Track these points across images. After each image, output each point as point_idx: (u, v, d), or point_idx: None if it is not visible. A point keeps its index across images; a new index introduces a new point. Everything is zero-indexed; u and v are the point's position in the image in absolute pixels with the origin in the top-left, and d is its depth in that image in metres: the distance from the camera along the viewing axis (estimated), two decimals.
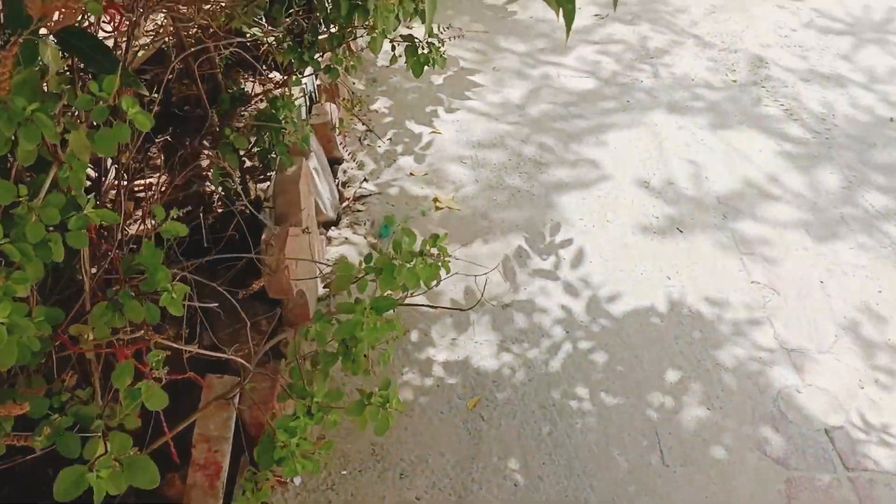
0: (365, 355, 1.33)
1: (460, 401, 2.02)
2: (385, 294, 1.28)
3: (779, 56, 3.61)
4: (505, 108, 3.14)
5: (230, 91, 2.12)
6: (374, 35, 1.82)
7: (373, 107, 3.12)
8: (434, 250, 1.24)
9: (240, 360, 1.32)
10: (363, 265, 1.28)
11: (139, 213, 2.22)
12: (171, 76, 2.04)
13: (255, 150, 2.12)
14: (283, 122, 2.02)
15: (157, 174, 2.54)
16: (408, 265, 1.22)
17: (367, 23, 1.80)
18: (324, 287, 2.32)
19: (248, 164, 2.38)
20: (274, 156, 2.10)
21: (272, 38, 2.09)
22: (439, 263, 1.25)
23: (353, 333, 1.25)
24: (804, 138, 3.02)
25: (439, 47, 1.98)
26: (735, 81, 3.41)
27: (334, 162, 2.79)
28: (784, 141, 3.00)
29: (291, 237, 1.99)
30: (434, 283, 1.28)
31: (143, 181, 2.45)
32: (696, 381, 2.09)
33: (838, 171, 2.85)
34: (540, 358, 2.14)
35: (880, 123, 3.13)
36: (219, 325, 2.00)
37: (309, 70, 2.21)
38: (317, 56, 1.98)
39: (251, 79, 2.89)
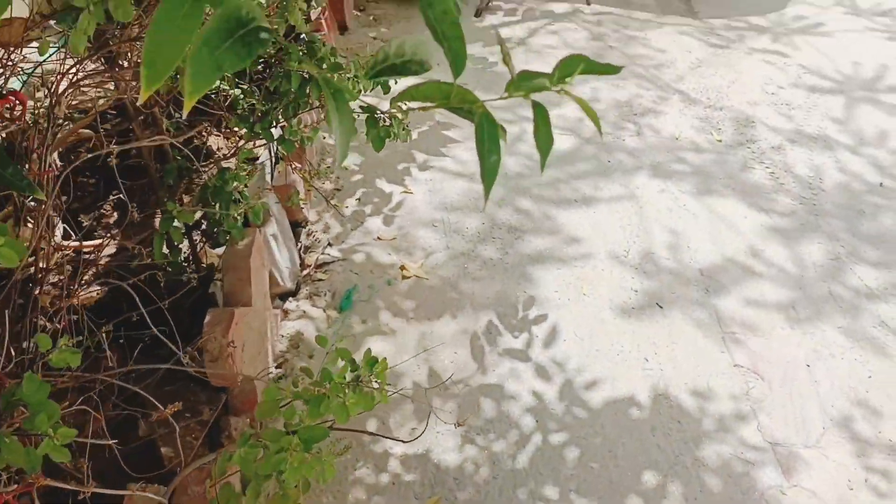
0: (296, 486, 1.17)
1: (417, 501, 1.86)
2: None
3: (765, 114, 3.50)
4: (476, 164, 3.00)
5: (178, 159, 1.97)
6: (329, 111, 1.68)
7: (344, 163, 2.98)
8: (372, 378, 1.09)
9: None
10: (291, 390, 1.13)
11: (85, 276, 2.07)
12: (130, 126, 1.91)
13: (202, 227, 1.98)
14: (232, 194, 1.88)
15: (108, 235, 2.40)
16: (338, 396, 1.06)
17: (320, 97, 1.67)
18: (276, 367, 2.16)
19: (204, 225, 2.24)
20: (224, 229, 1.95)
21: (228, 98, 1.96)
22: (374, 392, 1.09)
23: (279, 469, 1.09)
24: (791, 205, 2.90)
25: (403, 120, 1.84)
26: (720, 141, 3.29)
27: (297, 224, 2.64)
28: (769, 208, 2.88)
29: (237, 319, 1.84)
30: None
31: (90, 243, 2.31)
32: (675, 481, 1.94)
33: (826, 242, 2.72)
34: (507, 452, 1.98)
35: (869, 189, 3.02)
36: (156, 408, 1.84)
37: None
38: (270, 127, 1.84)
39: (215, 132, 2.76)
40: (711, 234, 2.73)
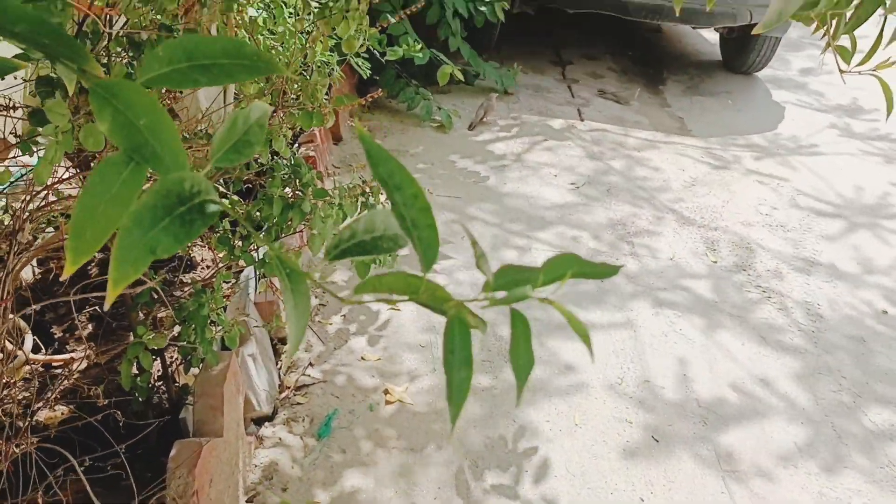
0: None
1: None
2: None
3: (761, 236, 3.46)
4: (473, 286, 2.93)
5: (154, 279, 1.89)
6: (313, 234, 1.61)
7: (331, 278, 2.90)
8: None
9: None
10: None
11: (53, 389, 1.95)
12: None
13: (179, 344, 1.88)
14: (208, 317, 1.79)
15: (83, 347, 2.29)
16: None
17: (303, 223, 1.60)
18: (247, 501, 2.02)
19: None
20: (198, 354, 1.85)
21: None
22: None
23: None
24: (791, 334, 2.81)
25: (395, 239, 1.77)
26: (716, 262, 3.24)
27: (280, 342, 2.54)
28: (770, 336, 2.79)
29: (206, 454, 1.71)
30: None
31: (60, 357, 2.20)
32: None
33: (831, 375, 2.62)
34: None
35: (874, 318, 2.94)
36: None
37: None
38: (251, 249, 1.77)
39: (200, 242, 2.69)
40: (709, 363, 2.63)
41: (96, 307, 2.41)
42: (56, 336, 2.33)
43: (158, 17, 1.49)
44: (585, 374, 2.53)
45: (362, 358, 2.54)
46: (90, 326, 2.39)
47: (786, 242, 3.44)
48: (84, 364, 2.16)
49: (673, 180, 3.94)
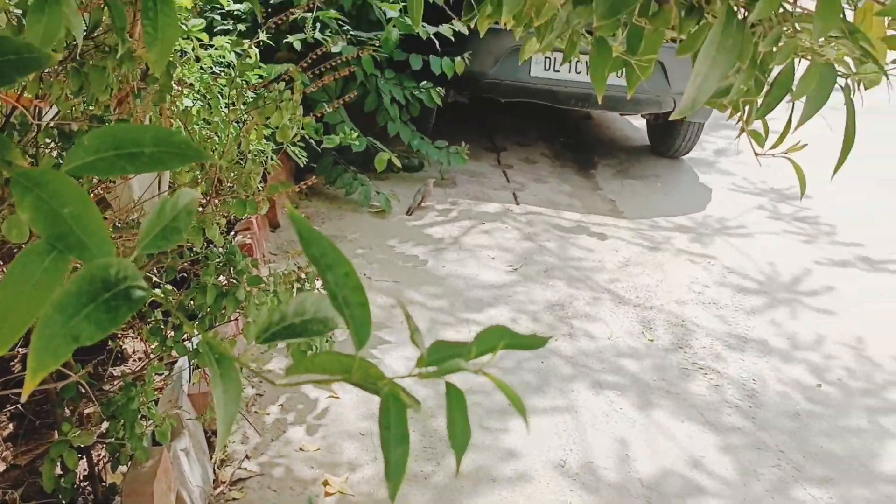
0: None
1: None
2: None
3: (695, 314, 3.54)
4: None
5: (80, 371, 1.82)
6: (248, 322, 1.59)
7: (267, 366, 2.84)
8: None
9: None
10: None
11: None
12: None
13: (107, 440, 1.80)
14: (139, 411, 1.73)
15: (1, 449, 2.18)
16: None
17: (238, 311, 1.58)
18: None
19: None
20: (127, 450, 1.77)
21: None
22: None
23: None
24: (729, 412, 2.85)
25: (330, 337, 1.75)
26: (652, 341, 3.28)
27: (215, 434, 2.46)
28: (708, 414, 2.82)
29: None
30: None
31: None
32: None
33: (770, 452, 2.65)
34: None
35: (806, 394, 3.00)
36: None
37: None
38: (184, 339, 1.73)
39: (132, 333, 2.62)
40: (650, 442, 2.64)
41: (18, 405, 2.31)
42: None
43: (90, 108, 1.48)
44: (528, 459, 2.51)
45: (301, 448, 2.47)
46: (11, 426, 2.28)
47: (718, 320, 3.52)
48: (2, 467, 2.06)
49: (607, 261, 4.03)
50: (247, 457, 2.42)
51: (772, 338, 3.40)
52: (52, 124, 1.43)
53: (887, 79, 1.02)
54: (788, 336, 3.43)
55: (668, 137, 5.68)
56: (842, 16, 1.01)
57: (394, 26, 4.29)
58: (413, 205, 4.38)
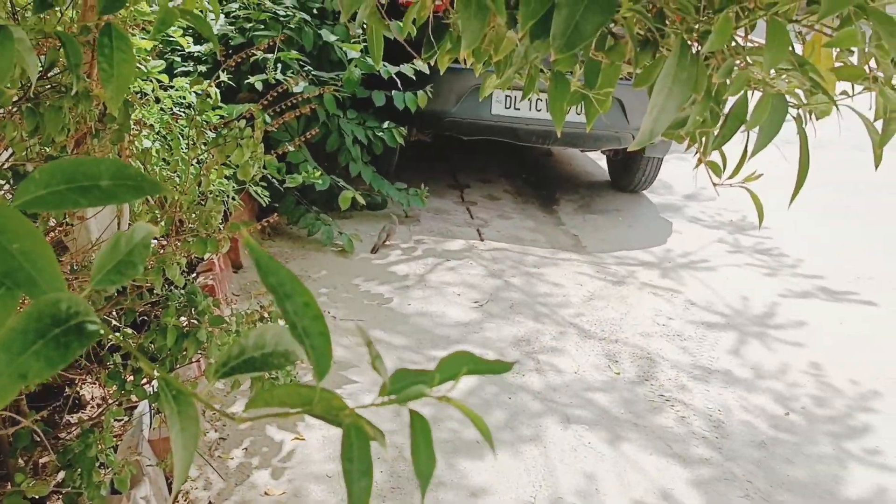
0: None
1: None
2: None
3: (659, 347, 3.56)
4: (379, 412, 2.86)
5: (35, 419, 1.77)
6: (210, 363, 1.56)
7: (231, 409, 2.79)
8: None
9: None
10: None
11: None
12: None
13: (63, 490, 1.74)
14: (96, 458, 1.68)
15: None
16: None
17: (200, 352, 1.55)
18: None
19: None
20: (84, 500, 1.72)
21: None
22: None
23: None
24: (696, 443, 2.85)
25: (291, 371, 1.73)
26: (619, 374, 3.29)
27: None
28: (676, 446, 2.82)
29: None
30: None
31: None
32: None
33: (738, 483, 2.65)
34: None
35: (773, 423, 3.02)
36: None
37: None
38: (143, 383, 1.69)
39: (90, 379, 2.55)
40: (619, 476, 2.63)
41: None
42: None
43: (46, 148, 1.46)
44: (497, 496, 2.48)
45: (266, 493, 2.41)
46: None
47: (683, 352, 3.54)
48: None
49: (572, 295, 4.04)
50: (210, 503, 2.35)
51: (736, 368, 3.43)
52: (6, 165, 1.40)
53: (837, 109, 1.05)
54: (752, 366, 3.47)
55: (628, 172, 5.77)
56: (791, 48, 1.04)
57: (355, 66, 4.32)
58: (378, 243, 4.37)
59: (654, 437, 2.86)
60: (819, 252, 5.00)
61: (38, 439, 1.70)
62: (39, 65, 1.33)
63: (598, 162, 6.70)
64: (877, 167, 1.05)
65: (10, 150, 1.49)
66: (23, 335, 0.48)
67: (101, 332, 0.52)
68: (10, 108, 1.36)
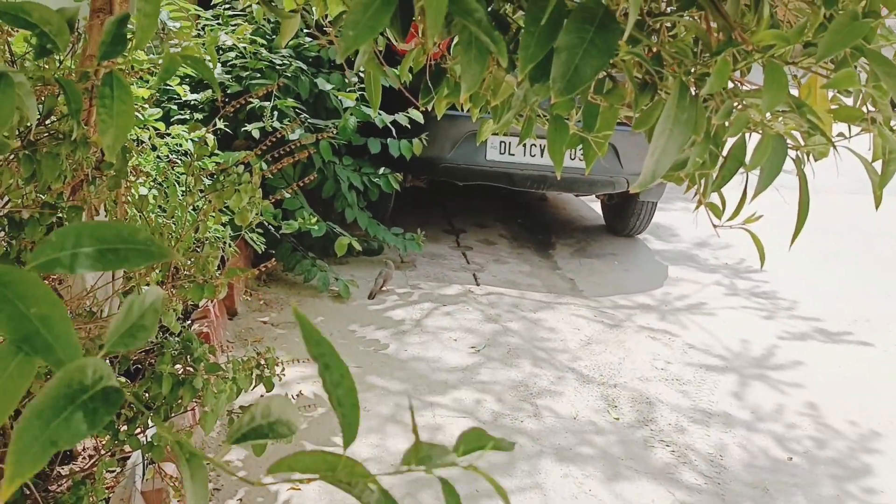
0: None
1: None
2: None
3: (658, 391, 3.53)
4: (378, 461, 2.82)
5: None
6: (206, 411, 1.54)
7: (226, 458, 2.74)
8: None
9: None
10: None
11: None
12: None
13: None
14: None
15: None
16: None
17: (195, 400, 1.53)
18: None
19: None
20: None
21: None
22: None
23: None
24: (698, 486, 2.81)
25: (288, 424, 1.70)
26: (618, 419, 3.26)
27: None
28: (677, 491, 2.78)
29: None
30: None
31: None
32: None
33: None
34: None
35: (772, 466, 2.98)
36: None
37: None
38: (137, 432, 1.66)
39: None
40: None
41: None
42: None
43: (42, 195, 1.45)
44: None
45: None
46: None
47: (682, 395, 3.51)
48: None
49: (569, 340, 4.02)
50: None
51: (736, 411, 3.40)
52: (1, 213, 1.40)
53: (835, 150, 1.05)
54: (752, 409, 3.44)
55: (623, 216, 5.79)
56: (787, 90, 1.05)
57: (351, 114, 4.36)
58: (374, 289, 4.36)
59: (654, 482, 2.82)
60: (816, 295, 5.00)
61: (29, 492, 1.66)
62: (38, 111, 1.34)
63: (592, 206, 6.73)
64: (877, 207, 1.05)
65: (5, 198, 1.48)
66: (53, 403, 0.48)
67: (126, 395, 0.52)
68: (6, 155, 1.36)
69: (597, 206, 6.57)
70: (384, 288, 4.42)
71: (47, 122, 1.39)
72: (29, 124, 1.24)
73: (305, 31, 4.55)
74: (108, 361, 1.82)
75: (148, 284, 1.68)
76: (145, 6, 0.76)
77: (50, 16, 0.77)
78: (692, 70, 0.94)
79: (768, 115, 1.03)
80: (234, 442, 0.57)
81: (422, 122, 4.37)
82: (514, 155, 4.86)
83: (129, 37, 0.85)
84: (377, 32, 0.66)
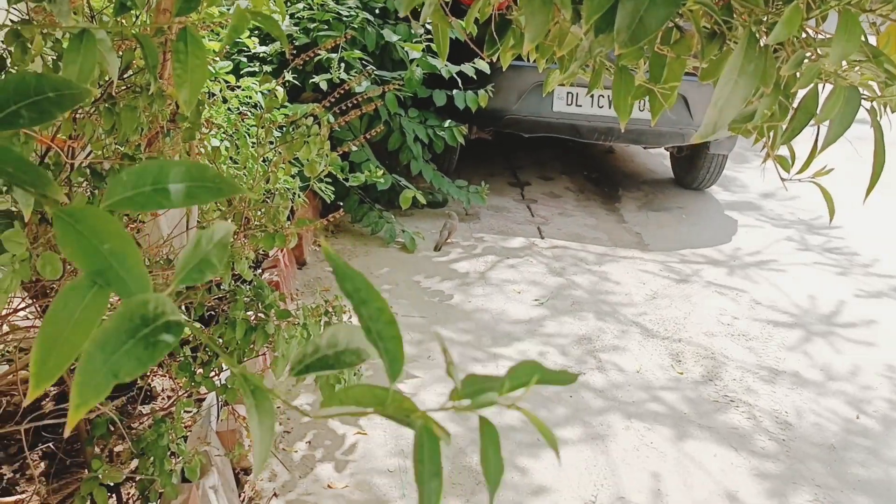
0: None
1: None
2: None
3: (724, 346, 3.49)
4: (440, 404, 2.88)
5: (110, 409, 1.84)
6: (277, 356, 1.60)
7: (295, 402, 2.84)
8: None
9: None
10: None
11: None
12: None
13: (137, 477, 1.81)
14: (168, 447, 1.73)
15: (33, 489, 2.19)
16: None
17: (267, 345, 1.59)
18: None
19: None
20: (157, 487, 1.77)
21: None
22: None
23: None
24: (763, 445, 2.80)
25: (358, 370, 1.75)
26: (682, 374, 3.24)
27: (243, 471, 2.45)
28: (741, 446, 2.77)
29: None
30: None
31: (10, 499, 2.09)
32: None
33: (807, 486, 2.59)
34: None
35: (845, 426, 2.94)
36: None
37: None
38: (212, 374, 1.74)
39: (160, 371, 2.63)
40: (683, 476, 2.59)
41: (49, 444, 2.33)
42: (6, 476, 2.23)
43: (121, 147, 1.51)
44: (559, 495, 2.47)
45: (329, 486, 2.46)
46: (42, 465, 2.29)
47: (749, 352, 3.47)
48: None
49: (634, 294, 4.00)
50: (275, 494, 2.41)
51: (803, 369, 3.35)
52: (84, 164, 1.46)
53: None
54: (820, 368, 3.37)
55: (692, 169, 5.67)
56: (864, 39, 1.01)
57: (417, 66, 4.35)
58: (440, 240, 4.40)
59: (718, 438, 2.81)
60: (893, 251, 4.83)
61: (114, 429, 1.77)
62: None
63: (661, 159, 6.60)
64: None
65: (87, 149, 1.55)
66: (115, 335, 0.51)
67: (187, 329, 0.55)
68: (88, 108, 1.42)
69: (665, 159, 6.44)
70: (449, 240, 4.46)
71: (125, 75, 1.43)
72: (109, 79, 1.28)
73: None
74: (183, 307, 1.90)
75: None
76: None
77: None
78: (763, 19, 0.92)
79: (843, 65, 1.00)
80: (298, 374, 0.58)
81: (488, 72, 4.34)
82: (581, 106, 4.79)
83: None
84: None
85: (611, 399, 3.02)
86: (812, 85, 1.02)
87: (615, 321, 3.68)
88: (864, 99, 1.03)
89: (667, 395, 3.08)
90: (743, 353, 3.45)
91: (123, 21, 1.39)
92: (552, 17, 0.86)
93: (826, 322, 3.83)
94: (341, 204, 4.27)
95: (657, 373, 3.24)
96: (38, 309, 1.61)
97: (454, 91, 4.46)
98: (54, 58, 1.30)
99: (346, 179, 3.05)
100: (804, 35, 1.03)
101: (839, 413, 3.04)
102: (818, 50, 1.03)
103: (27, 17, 1.21)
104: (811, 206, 5.58)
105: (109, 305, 0.57)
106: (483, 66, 4.31)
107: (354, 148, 2.45)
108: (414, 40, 4.49)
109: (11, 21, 1.23)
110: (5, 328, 1.64)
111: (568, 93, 4.77)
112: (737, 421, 2.93)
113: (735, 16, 0.97)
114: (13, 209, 1.23)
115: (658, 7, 0.78)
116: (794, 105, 1.03)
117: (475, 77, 4.34)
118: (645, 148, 6.50)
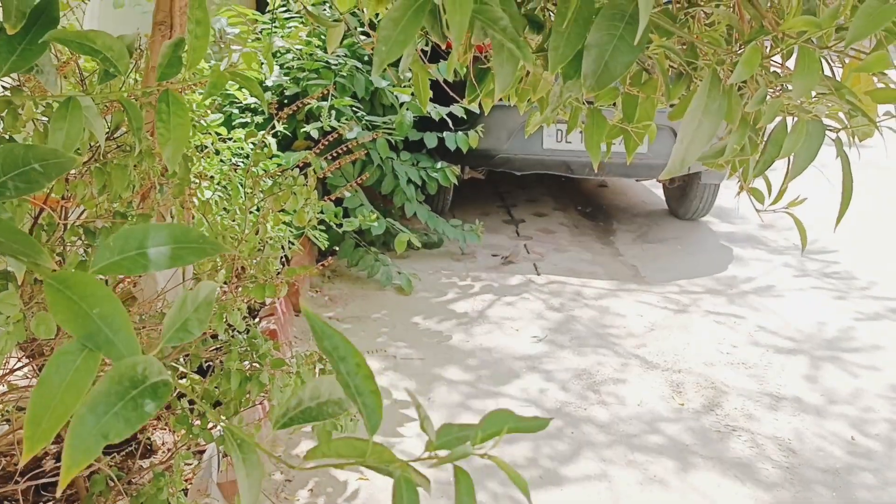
0: None
1: None
2: None
3: (724, 375, 3.49)
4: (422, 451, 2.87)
5: (110, 465, 1.84)
6: (273, 406, 1.61)
7: (294, 451, 2.84)
8: None
9: None
10: None
11: None
12: None
13: None
14: (167, 501, 1.73)
15: None
16: None
17: (262, 394, 1.60)
18: None
19: None
20: None
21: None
22: None
23: None
24: (766, 471, 2.78)
25: (353, 416, 1.76)
26: (683, 404, 3.24)
27: None
28: (746, 475, 2.76)
29: None
30: None
31: None
32: None
33: None
34: None
35: (844, 449, 2.93)
36: None
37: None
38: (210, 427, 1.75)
39: (161, 425, 2.63)
40: None
41: (49, 503, 2.32)
42: None
43: (114, 205, 1.54)
44: None
45: None
46: None
47: (749, 379, 3.47)
48: None
49: (633, 326, 4.01)
50: None
51: (804, 395, 3.35)
52: (77, 223, 1.49)
53: (879, 131, 1.05)
54: (823, 392, 3.37)
55: (685, 200, 5.71)
56: (831, 73, 1.05)
57: (407, 109, 4.42)
58: (510, 255, 4.60)
59: (723, 467, 2.80)
60: (891, 274, 4.85)
61: (113, 484, 1.77)
62: (106, 126, 1.42)
63: (653, 190, 6.65)
64: None
65: (81, 208, 1.58)
66: (105, 398, 0.53)
67: (174, 388, 0.57)
68: (80, 168, 1.45)
69: (658, 190, 6.49)
70: (513, 259, 4.73)
71: (115, 135, 1.47)
72: (97, 143, 1.32)
73: (360, 29, 4.63)
74: (182, 360, 1.91)
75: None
76: (196, 29, 0.81)
77: (112, 42, 0.83)
78: (725, 60, 0.95)
79: (811, 97, 1.03)
80: (282, 426, 0.61)
81: (478, 112, 4.40)
82: (570, 143, 4.85)
83: (184, 56, 0.90)
84: (408, 46, 0.69)
85: (613, 433, 3.01)
86: (780, 119, 1.05)
87: (615, 354, 3.68)
88: (831, 130, 1.06)
89: (669, 426, 3.07)
90: (743, 381, 3.45)
91: (110, 85, 1.43)
92: (521, 65, 0.89)
93: (826, 346, 3.83)
94: (337, 249, 4.30)
95: (658, 404, 3.24)
96: (35, 368, 1.63)
97: (445, 133, 4.52)
98: (46, 122, 1.33)
99: (340, 225, 3.08)
100: (772, 70, 1.06)
101: (842, 437, 3.03)
102: (786, 85, 1.06)
103: (18, 85, 1.24)
104: (808, 232, 5.60)
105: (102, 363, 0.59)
106: (473, 105, 4.37)
107: (347, 193, 2.48)
108: (403, 84, 4.56)
109: (3, 87, 1.27)
110: (3, 388, 1.66)
111: (557, 130, 4.84)
112: (740, 450, 2.92)
113: (700, 56, 1.00)
114: (9, 269, 1.25)
115: (622, 53, 0.82)
116: (764, 139, 1.06)
117: (465, 117, 4.40)
118: (637, 180, 6.55)
